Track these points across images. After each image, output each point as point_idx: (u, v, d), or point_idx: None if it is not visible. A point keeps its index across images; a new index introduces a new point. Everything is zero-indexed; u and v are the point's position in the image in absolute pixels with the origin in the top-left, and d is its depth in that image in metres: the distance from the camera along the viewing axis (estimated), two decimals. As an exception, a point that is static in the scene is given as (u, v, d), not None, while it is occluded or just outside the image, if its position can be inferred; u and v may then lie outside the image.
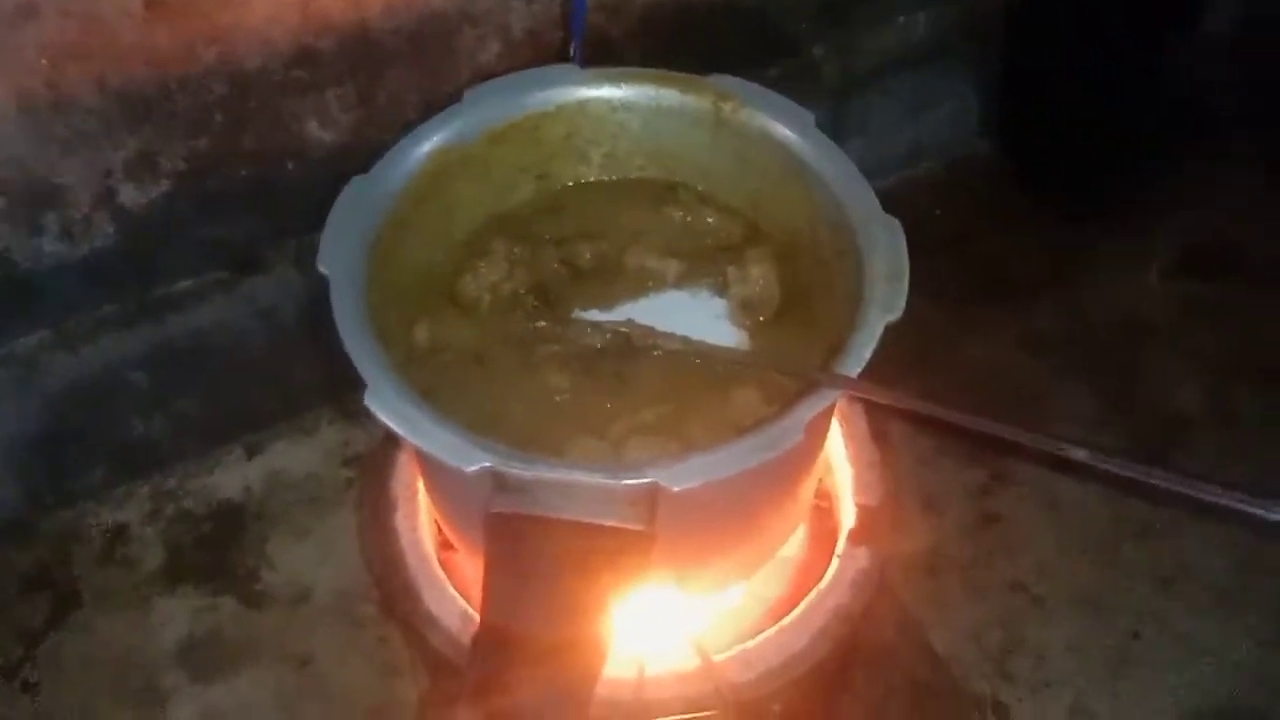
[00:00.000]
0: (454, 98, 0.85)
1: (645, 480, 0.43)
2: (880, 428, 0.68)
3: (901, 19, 1.04)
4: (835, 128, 1.08)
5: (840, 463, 0.66)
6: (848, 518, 0.62)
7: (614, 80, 0.60)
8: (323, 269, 0.53)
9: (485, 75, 0.85)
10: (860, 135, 1.10)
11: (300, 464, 0.98)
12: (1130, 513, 0.93)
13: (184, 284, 0.87)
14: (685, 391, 0.53)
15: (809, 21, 0.99)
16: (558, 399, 0.53)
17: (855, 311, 0.49)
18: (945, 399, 0.46)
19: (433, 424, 0.46)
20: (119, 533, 0.94)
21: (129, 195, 0.79)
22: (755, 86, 0.61)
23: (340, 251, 0.52)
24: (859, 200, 0.55)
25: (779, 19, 0.97)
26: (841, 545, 0.61)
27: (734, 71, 0.98)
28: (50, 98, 0.72)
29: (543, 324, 0.56)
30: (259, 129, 0.80)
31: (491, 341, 0.56)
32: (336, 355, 0.95)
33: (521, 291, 0.57)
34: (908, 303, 0.51)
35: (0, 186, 0.75)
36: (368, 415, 0.49)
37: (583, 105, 0.61)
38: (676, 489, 0.43)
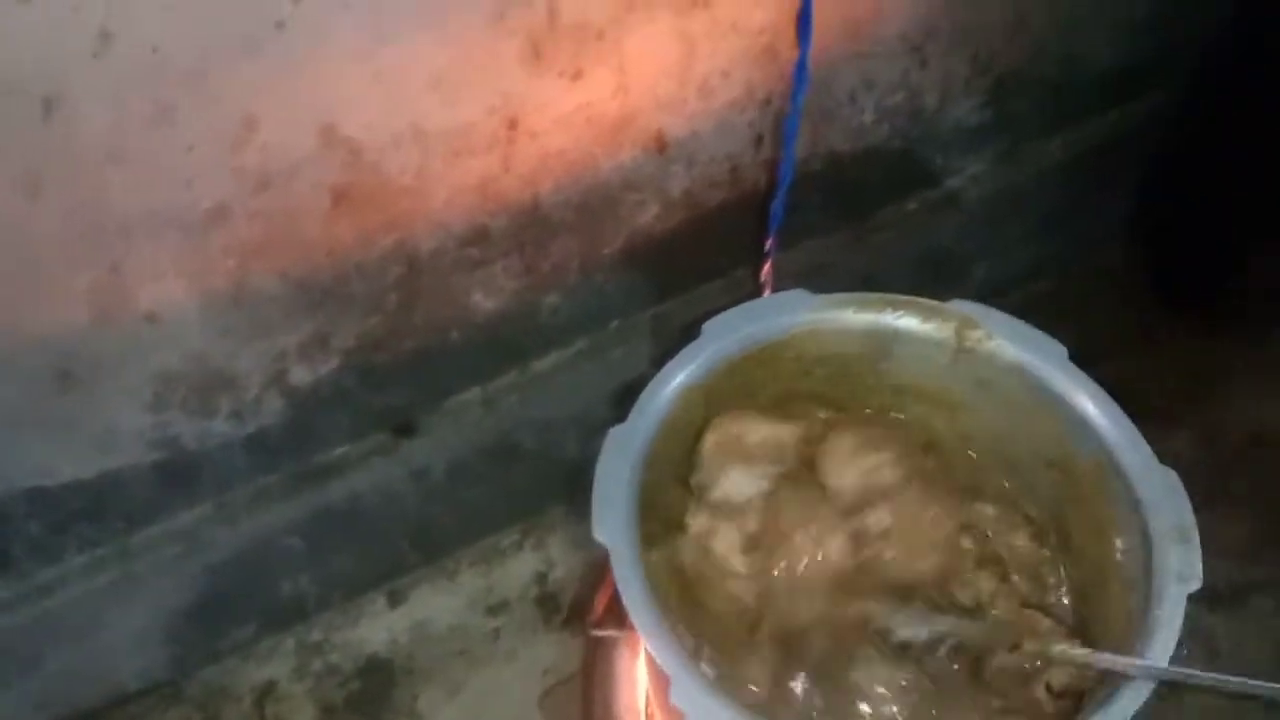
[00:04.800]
0: (610, 257, 0.86)
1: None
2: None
3: (1036, 146, 1.04)
4: (963, 250, 1.07)
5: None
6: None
7: (847, 306, 0.60)
8: (600, 538, 0.52)
9: (643, 235, 0.85)
10: (988, 256, 1.09)
11: (444, 613, 0.97)
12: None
13: (342, 450, 0.86)
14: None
15: (944, 156, 0.99)
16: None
17: (1148, 582, 0.48)
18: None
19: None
20: (268, 690, 0.93)
21: (299, 375, 0.79)
22: (1003, 315, 0.60)
23: (612, 515, 0.51)
24: (1131, 448, 0.54)
25: (918, 156, 0.97)
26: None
27: (874, 208, 0.99)
28: (233, 294, 0.71)
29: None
30: (428, 304, 0.80)
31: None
32: (479, 502, 0.95)
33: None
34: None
35: (180, 378, 0.74)
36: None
37: (814, 331, 0.60)
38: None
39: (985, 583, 0.56)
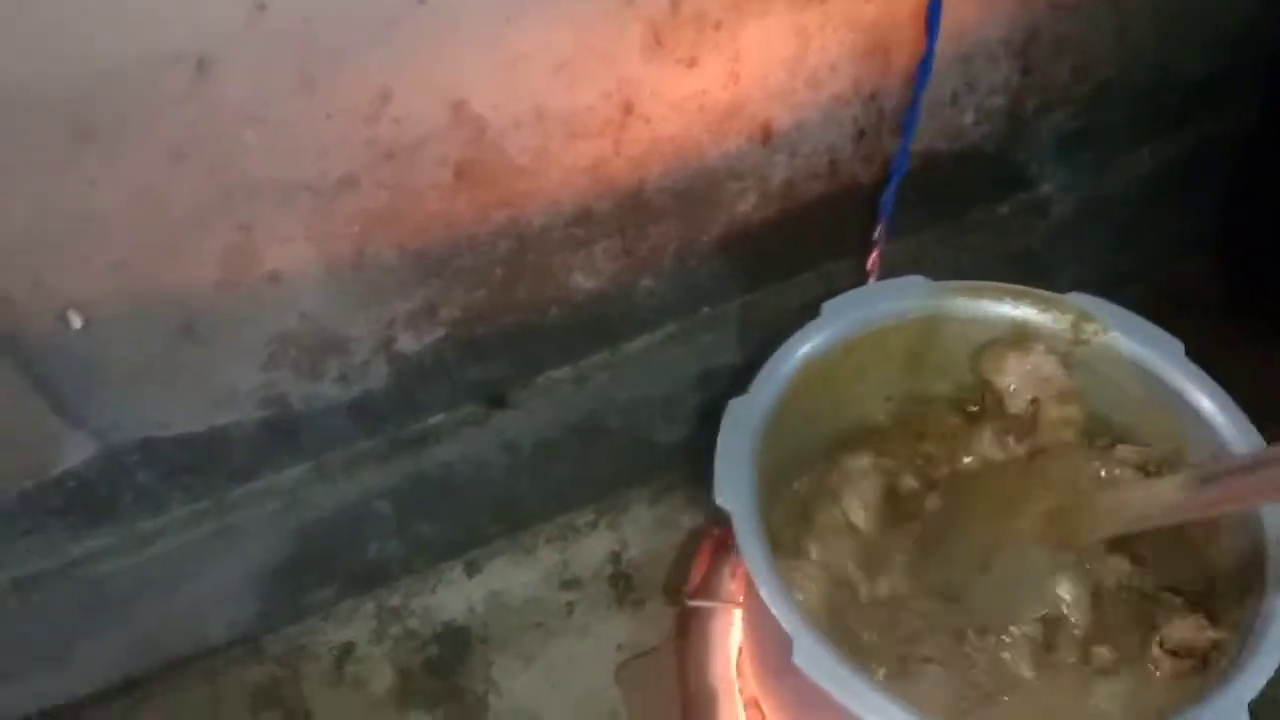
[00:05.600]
0: (706, 244, 0.88)
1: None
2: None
3: (1126, 154, 1.04)
4: (1051, 255, 1.08)
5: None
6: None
7: (965, 294, 0.61)
8: (722, 504, 0.54)
9: (740, 223, 0.86)
10: (1075, 261, 1.10)
11: (521, 585, 0.99)
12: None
13: (437, 419, 0.88)
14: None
15: (1038, 162, 1.00)
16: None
17: (1264, 577, 0.49)
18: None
19: (867, 687, 0.47)
20: (347, 651, 0.95)
21: (405, 342, 0.81)
22: (1119, 309, 0.61)
23: (733, 482, 0.53)
24: (1246, 444, 0.54)
25: (1014, 159, 0.98)
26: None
27: (967, 208, 1.00)
28: (354, 260, 0.74)
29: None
30: (531, 281, 0.82)
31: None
32: (561, 479, 0.97)
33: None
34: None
35: (295, 339, 0.76)
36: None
37: (932, 319, 0.61)
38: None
39: (1120, 564, 0.57)
